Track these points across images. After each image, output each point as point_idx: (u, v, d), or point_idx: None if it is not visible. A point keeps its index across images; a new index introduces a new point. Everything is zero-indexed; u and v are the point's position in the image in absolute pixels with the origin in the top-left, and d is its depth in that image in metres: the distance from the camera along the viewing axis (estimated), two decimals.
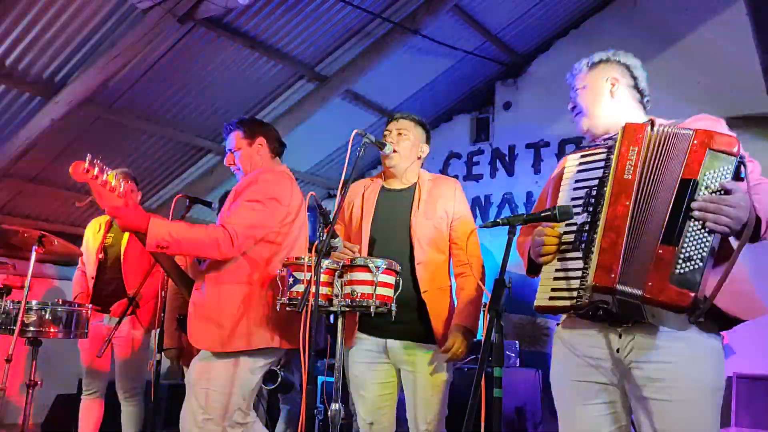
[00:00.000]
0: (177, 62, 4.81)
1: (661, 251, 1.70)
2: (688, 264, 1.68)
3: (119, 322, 3.38)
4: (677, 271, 1.68)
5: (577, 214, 1.86)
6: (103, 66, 4.39)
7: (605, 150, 1.91)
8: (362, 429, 2.79)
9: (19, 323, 3.35)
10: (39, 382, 3.52)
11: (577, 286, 1.81)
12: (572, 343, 1.97)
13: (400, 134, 2.88)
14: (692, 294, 1.65)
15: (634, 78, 2.12)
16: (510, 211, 6.27)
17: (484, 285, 2.65)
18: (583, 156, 1.96)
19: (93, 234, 4.24)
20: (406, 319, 2.66)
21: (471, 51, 5.96)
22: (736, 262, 1.72)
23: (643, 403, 1.83)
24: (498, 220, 1.96)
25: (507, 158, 6.44)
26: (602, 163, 1.89)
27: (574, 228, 1.86)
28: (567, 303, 1.83)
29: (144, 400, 4.09)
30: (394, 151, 2.82)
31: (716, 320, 1.81)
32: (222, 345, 2.62)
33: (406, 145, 2.87)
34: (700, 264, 1.67)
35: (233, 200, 2.74)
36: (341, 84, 5.57)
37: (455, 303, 2.84)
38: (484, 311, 1.87)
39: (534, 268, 2.00)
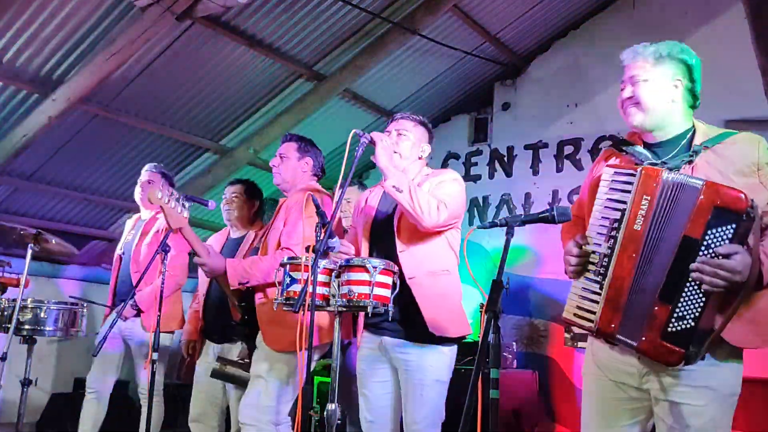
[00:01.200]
0: (175, 60, 4.80)
1: (656, 308, 1.83)
2: (681, 323, 1.79)
3: (113, 323, 3.35)
4: (669, 329, 1.80)
5: (603, 234, 1.94)
6: (100, 63, 4.37)
7: (633, 175, 1.92)
8: (363, 427, 2.79)
9: (14, 321, 3.34)
10: (34, 381, 3.52)
11: (594, 315, 1.94)
12: (601, 361, 2.07)
13: (399, 135, 2.87)
14: (681, 351, 1.78)
15: (693, 81, 2.08)
16: (508, 212, 6.26)
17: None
18: (616, 174, 1.98)
19: (124, 233, 4.28)
20: (395, 315, 2.59)
21: (470, 51, 5.96)
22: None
23: (665, 406, 1.91)
24: (496, 221, 1.98)
25: (505, 159, 6.43)
26: (631, 188, 1.91)
27: (598, 250, 1.96)
28: (585, 324, 1.98)
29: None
30: (394, 152, 2.79)
31: (730, 352, 1.89)
32: (291, 344, 2.77)
33: (406, 146, 2.86)
34: (692, 323, 1.78)
35: (286, 216, 3.11)
36: (340, 83, 5.56)
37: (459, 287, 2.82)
38: (481, 312, 1.87)
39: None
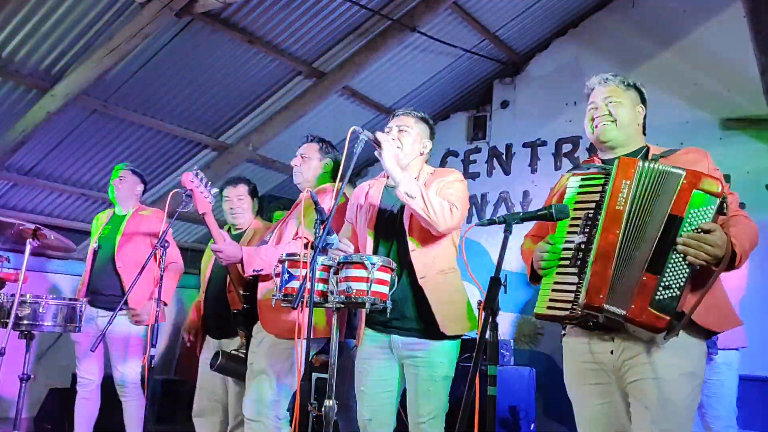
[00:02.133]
0: (174, 56, 4.80)
1: (645, 278, 1.96)
2: (667, 291, 1.93)
3: (112, 319, 3.36)
4: (657, 297, 1.93)
5: (575, 233, 2.09)
6: (99, 59, 4.37)
7: (603, 176, 2.13)
8: (360, 425, 2.78)
9: (12, 316, 3.34)
10: (32, 376, 3.52)
11: (572, 299, 2.04)
12: (576, 350, 2.24)
13: (401, 131, 2.87)
14: (668, 318, 1.92)
15: (644, 106, 2.37)
16: (506, 210, 6.27)
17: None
18: (583, 180, 2.18)
19: (94, 227, 4.29)
20: (408, 314, 2.67)
21: (469, 49, 5.96)
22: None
23: (635, 387, 2.07)
24: (494, 218, 2.02)
25: (504, 157, 6.44)
26: (600, 188, 2.11)
27: (571, 246, 2.09)
28: (562, 313, 2.07)
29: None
30: (397, 147, 2.79)
31: (696, 331, 2.07)
32: (289, 331, 2.89)
33: (408, 142, 2.86)
34: (678, 293, 1.93)
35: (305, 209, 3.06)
36: (339, 80, 5.56)
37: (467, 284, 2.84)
38: (479, 309, 1.88)
39: (535, 277, 2.23)
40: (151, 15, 4.14)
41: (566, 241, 2.11)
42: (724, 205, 1.98)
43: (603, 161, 2.31)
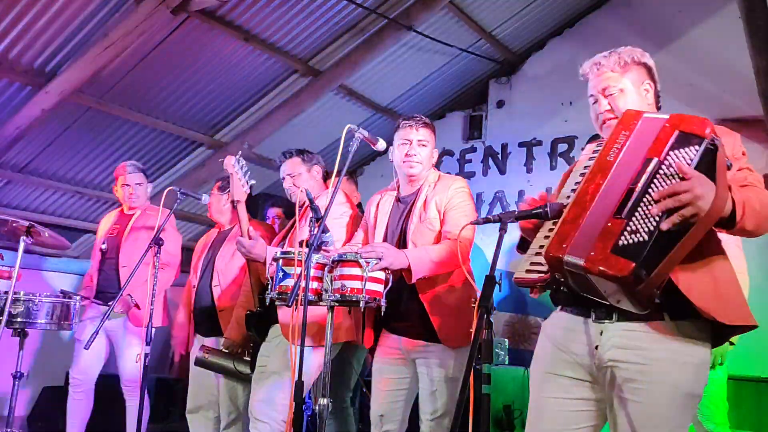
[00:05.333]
0: (170, 54, 4.78)
1: (610, 224, 1.68)
2: (633, 236, 1.64)
3: (105, 317, 3.34)
4: (620, 242, 1.64)
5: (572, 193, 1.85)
6: (94, 56, 4.34)
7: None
8: (373, 421, 2.88)
9: (5, 314, 3.33)
10: (25, 374, 3.50)
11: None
12: (555, 336, 1.98)
13: (421, 145, 2.98)
14: (632, 264, 1.59)
15: (655, 82, 2.10)
16: (501, 209, 6.27)
17: (474, 281, 2.66)
18: (598, 145, 1.98)
19: (103, 227, 4.28)
20: (413, 320, 2.77)
21: (465, 48, 5.95)
22: (724, 267, 1.75)
23: (618, 402, 1.82)
24: (489, 217, 2.00)
25: (499, 156, 6.44)
26: None
27: (564, 202, 1.87)
28: (536, 276, 1.84)
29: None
30: (417, 162, 2.97)
31: (695, 319, 1.77)
32: (313, 339, 2.86)
33: (427, 155, 3.02)
34: (645, 238, 1.62)
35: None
36: (335, 79, 5.55)
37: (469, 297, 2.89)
38: (474, 308, 1.87)
39: (523, 245, 2.03)
40: (147, 12, 4.12)
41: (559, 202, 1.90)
42: (716, 149, 1.68)
43: None
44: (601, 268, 1.63)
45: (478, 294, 1.86)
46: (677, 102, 5.38)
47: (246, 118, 5.77)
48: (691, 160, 1.67)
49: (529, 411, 2.01)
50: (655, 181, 1.68)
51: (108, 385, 4.24)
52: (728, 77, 5.21)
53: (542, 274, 1.83)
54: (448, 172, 6.62)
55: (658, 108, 2.10)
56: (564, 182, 2.04)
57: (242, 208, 3.09)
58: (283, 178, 3.36)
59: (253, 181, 3.17)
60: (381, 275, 2.47)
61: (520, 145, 6.32)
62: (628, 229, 1.65)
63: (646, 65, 2.07)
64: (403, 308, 2.74)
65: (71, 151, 5.31)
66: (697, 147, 1.68)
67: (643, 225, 1.64)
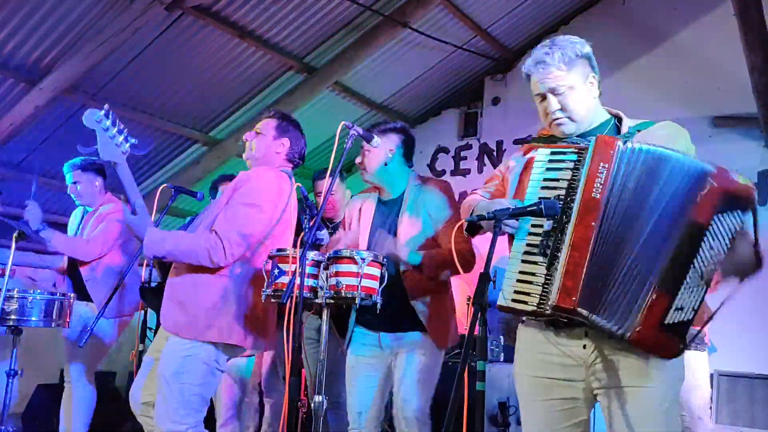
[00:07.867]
0: (164, 51, 4.76)
1: (654, 296, 1.70)
2: (680, 314, 1.68)
3: (101, 313, 3.34)
4: (668, 320, 1.68)
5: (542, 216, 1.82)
6: (88, 53, 4.33)
7: (576, 151, 1.87)
8: (351, 418, 2.87)
9: None
10: (20, 372, 3.49)
11: (539, 293, 1.82)
12: (536, 340, 2.00)
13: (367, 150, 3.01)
14: (681, 345, 1.69)
15: (595, 70, 2.04)
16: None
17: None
18: (553, 153, 1.91)
19: (72, 221, 4.26)
20: (394, 309, 2.75)
21: (460, 45, 5.95)
22: None
23: (611, 393, 1.85)
24: (483, 214, 1.94)
25: (495, 153, 6.44)
26: (572, 165, 1.85)
27: (540, 231, 1.86)
28: (528, 308, 1.85)
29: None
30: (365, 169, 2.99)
31: None
32: (193, 333, 2.51)
33: (374, 160, 3.03)
34: (691, 316, 1.68)
35: (231, 194, 2.65)
36: (330, 76, 5.54)
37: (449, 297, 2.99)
38: (468, 305, 1.87)
39: (473, 228, 2.07)
40: (141, 8, 4.11)
41: (533, 225, 1.87)
42: (755, 216, 1.69)
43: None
44: (650, 344, 1.71)
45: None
46: (672, 100, 5.40)
47: (241, 115, 5.75)
48: (735, 229, 1.70)
49: (521, 414, 2.05)
50: (704, 252, 1.69)
51: (106, 382, 4.22)
52: (723, 75, 5.22)
53: (532, 307, 1.83)
54: (443, 170, 6.64)
55: (600, 93, 2.05)
56: (521, 187, 2.00)
57: (122, 169, 2.61)
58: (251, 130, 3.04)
59: (134, 140, 2.70)
60: (376, 272, 2.47)
61: (515, 142, 6.30)
62: (675, 306, 1.70)
63: (588, 56, 2.01)
64: (386, 301, 2.62)
65: (65, 148, 5.28)
66: (741, 215, 1.71)
67: (689, 302, 1.70)
